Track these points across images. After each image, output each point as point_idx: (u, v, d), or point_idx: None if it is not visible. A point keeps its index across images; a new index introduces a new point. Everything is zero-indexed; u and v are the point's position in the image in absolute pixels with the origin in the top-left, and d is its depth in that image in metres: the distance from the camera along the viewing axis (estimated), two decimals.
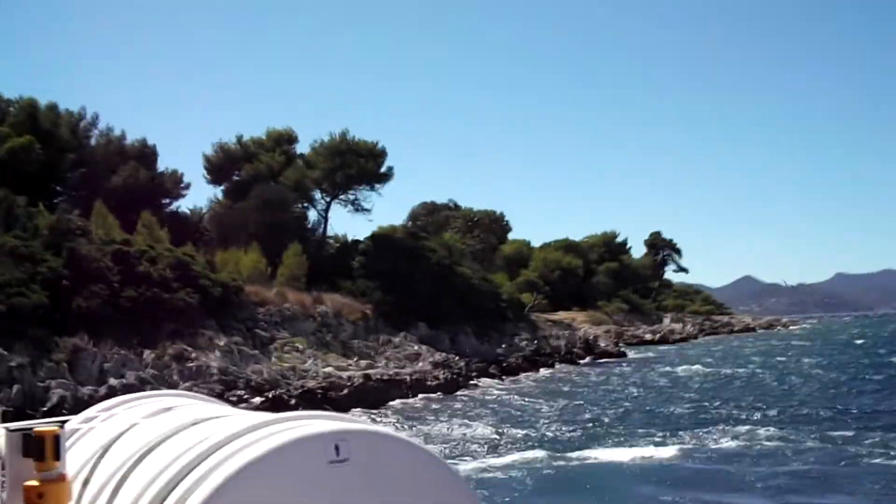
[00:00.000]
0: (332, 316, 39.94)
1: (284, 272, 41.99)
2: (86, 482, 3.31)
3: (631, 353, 61.73)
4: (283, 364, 32.60)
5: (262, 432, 3.06)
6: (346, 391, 30.34)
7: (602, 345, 62.62)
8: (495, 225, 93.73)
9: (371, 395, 30.46)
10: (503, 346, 49.12)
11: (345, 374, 32.46)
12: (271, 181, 50.68)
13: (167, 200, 59.26)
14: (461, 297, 48.74)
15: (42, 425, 3.16)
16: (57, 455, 2.99)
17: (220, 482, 2.82)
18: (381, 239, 50.15)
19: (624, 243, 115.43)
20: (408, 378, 33.22)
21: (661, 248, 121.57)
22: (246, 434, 3.06)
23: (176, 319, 31.00)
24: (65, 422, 3.58)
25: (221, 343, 31.14)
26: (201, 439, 3.11)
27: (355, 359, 36.54)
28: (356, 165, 51.59)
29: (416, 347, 40.93)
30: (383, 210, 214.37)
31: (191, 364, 28.94)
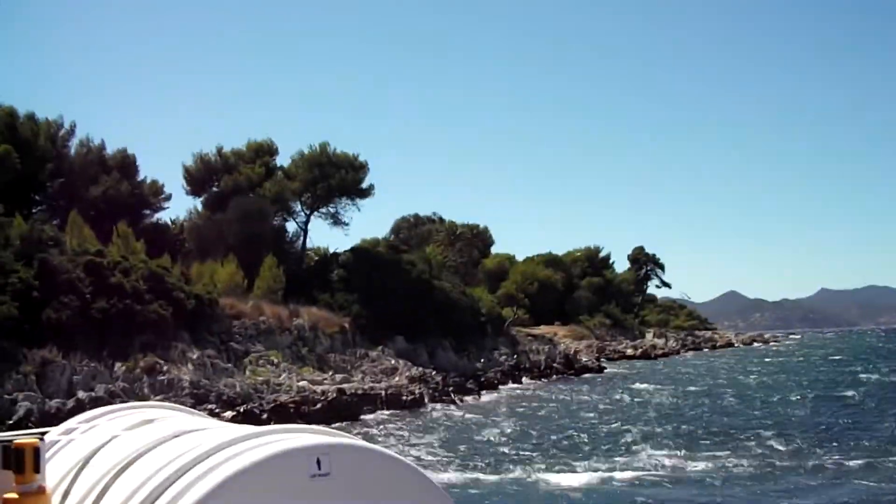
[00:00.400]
0: (308, 329, 39.70)
1: (261, 285, 41.75)
2: (66, 494, 3.27)
3: (610, 368, 61.60)
4: (257, 378, 32.36)
5: (244, 445, 3.05)
6: (319, 405, 30.08)
7: (583, 360, 62.60)
8: (478, 238, 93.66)
9: (345, 410, 30.22)
10: (482, 360, 48.97)
11: (319, 388, 32.24)
12: (251, 193, 50.45)
13: (148, 211, 59.17)
14: (440, 311, 48.57)
15: (22, 437, 3.16)
16: (37, 467, 2.97)
17: (201, 495, 2.79)
18: (361, 252, 50.00)
19: (607, 258, 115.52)
20: (383, 392, 32.97)
21: (643, 262, 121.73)
22: (228, 447, 3.05)
23: (148, 332, 30.73)
24: (44, 434, 3.63)
25: (194, 356, 30.90)
26: (183, 452, 3.09)
27: (331, 373, 36.32)
28: (336, 177, 51.41)
29: (392, 362, 40.75)
30: (366, 222, 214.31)
31: (162, 377, 28.69)
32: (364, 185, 53.98)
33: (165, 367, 29.17)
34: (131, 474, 3.14)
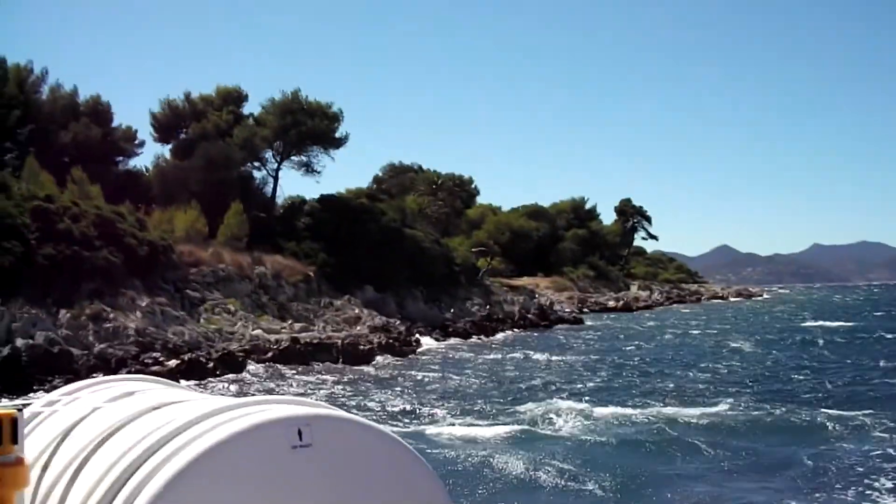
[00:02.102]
0: (270, 278, 39.02)
1: (225, 232, 40.94)
2: (45, 467, 3.27)
3: (589, 321, 61.10)
4: (211, 326, 31.73)
5: (224, 416, 3.05)
6: (270, 354, 29.47)
7: (561, 311, 62.08)
8: (459, 189, 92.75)
9: (296, 359, 29.58)
10: (452, 310, 48.36)
11: (273, 337, 31.60)
12: (220, 140, 49.47)
13: (122, 158, 58.24)
14: (411, 260, 47.86)
15: None
16: (14, 438, 2.89)
17: (181, 466, 2.79)
18: (330, 200, 49.12)
19: (593, 210, 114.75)
20: (339, 342, 32.30)
21: (630, 215, 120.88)
22: (208, 418, 3.05)
23: (98, 279, 30.00)
24: (25, 405, 3.61)
25: (143, 304, 30.19)
26: (163, 423, 3.09)
27: (290, 321, 35.70)
28: (308, 125, 50.36)
29: (356, 311, 40.09)
30: (350, 172, 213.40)
31: (108, 325, 28.01)
32: (338, 134, 53.01)
33: (112, 315, 28.47)
34: (111, 446, 3.13)
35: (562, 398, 22.00)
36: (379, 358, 32.13)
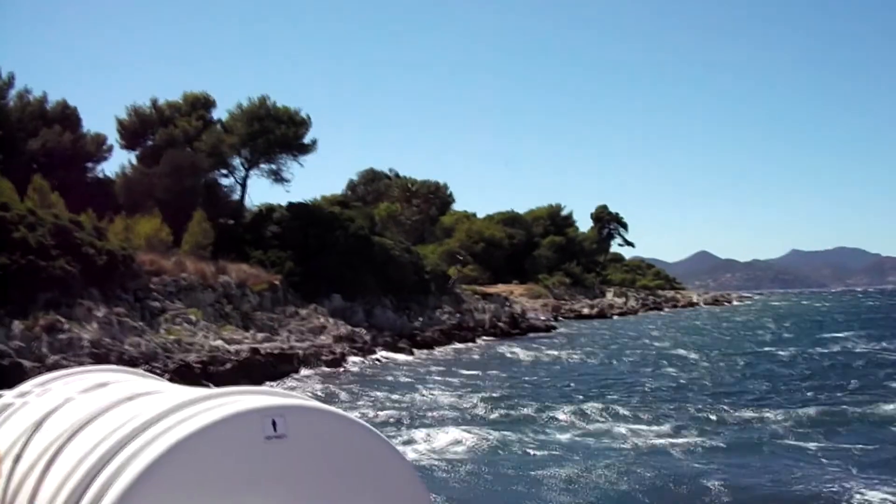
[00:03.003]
0: (235, 287, 38.54)
1: (189, 240, 40.47)
2: (17, 458, 3.27)
3: (561, 328, 60.95)
4: (170, 337, 31.25)
5: (198, 407, 3.01)
6: (228, 365, 29.03)
7: (533, 318, 61.92)
8: (434, 196, 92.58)
9: (256, 371, 29.15)
10: (420, 319, 48.01)
11: (233, 348, 31.17)
12: (187, 147, 48.99)
13: (90, 164, 57.65)
14: (379, 268, 47.49)
15: None
16: None
17: (154, 457, 2.76)
18: (298, 208, 48.67)
19: (569, 217, 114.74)
20: (300, 352, 31.90)
21: (606, 221, 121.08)
22: (181, 409, 3.01)
23: (54, 289, 29.49)
24: None
25: (100, 314, 29.69)
26: (136, 414, 3.06)
27: (252, 331, 35.26)
28: (275, 133, 49.92)
29: (321, 320, 39.68)
30: (324, 178, 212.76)
31: (62, 336, 27.51)
32: (307, 140, 52.61)
33: (67, 326, 27.98)
34: (84, 437, 3.10)
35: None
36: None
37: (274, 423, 2.91)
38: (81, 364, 26.60)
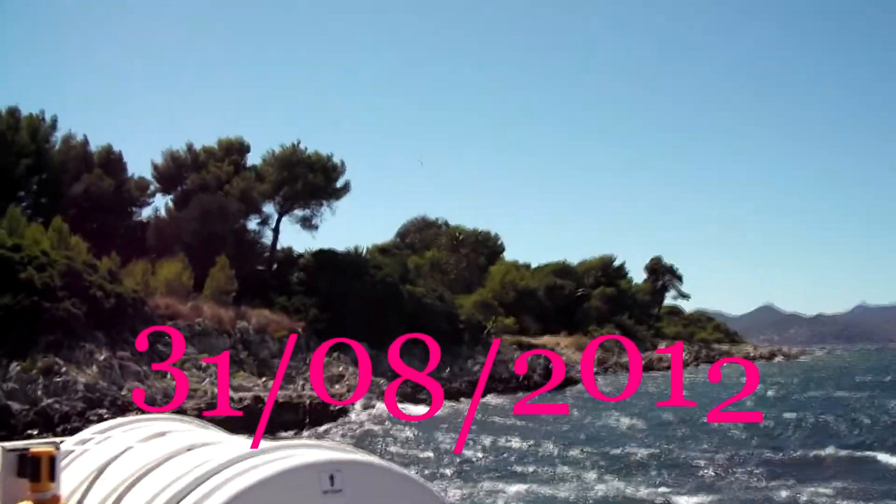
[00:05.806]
0: (253, 333, 37.84)
1: (211, 285, 39.94)
2: None
3: (599, 379, 59.17)
4: (174, 383, 30.51)
5: (258, 460, 3.05)
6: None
7: (573, 372, 60.17)
8: (483, 245, 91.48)
9: (254, 421, 28.13)
10: (449, 369, 46.75)
11: (237, 395, 30.29)
12: (219, 191, 48.74)
13: (134, 208, 57.81)
14: (408, 317, 46.48)
15: (38, 446, 3.25)
16: (52, 476, 3.02)
17: None
18: (325, 255, 47.97)
19: (621, 267, 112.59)
20: (307, 402, 30.89)
21: (661, 273, 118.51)
22: (241, 461, 3.04)
23: (57, 331, 29.00)
24: (60, 443, 3.65)
25: (101, 358, 29.07)
26: (196, 465, 3.09)
27: (265, 378, 34.41)
28: (307, 179, 49.40)
29: (341, 368, 38.70)
30: (378, 224, 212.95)
31: (58, 379, 26.90)
32: (339, 184, 51.96)
33: (64, 369, 27.38)
34: (144, 486, 3.16)
35: None
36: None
37: (331, 478, 2.95)
38: (73, 407, 26.00)
